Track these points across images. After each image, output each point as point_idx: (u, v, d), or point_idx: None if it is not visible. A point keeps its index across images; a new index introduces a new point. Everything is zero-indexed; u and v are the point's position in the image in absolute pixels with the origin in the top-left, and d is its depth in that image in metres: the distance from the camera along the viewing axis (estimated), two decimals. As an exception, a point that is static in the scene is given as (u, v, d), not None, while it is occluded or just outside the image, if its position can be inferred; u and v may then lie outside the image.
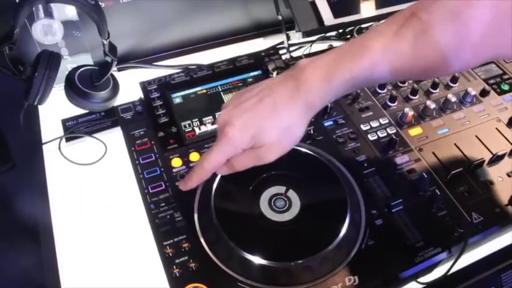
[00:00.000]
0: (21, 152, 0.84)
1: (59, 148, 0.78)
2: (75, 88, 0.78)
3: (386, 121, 0.78)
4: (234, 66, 0.84)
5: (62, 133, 0.79)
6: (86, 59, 0.88)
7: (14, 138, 0.86)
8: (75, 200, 0.71)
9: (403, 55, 0.51)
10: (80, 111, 0.81)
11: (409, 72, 0.54)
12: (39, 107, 0.85)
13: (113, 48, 0.77)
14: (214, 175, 0.66)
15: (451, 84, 0.84)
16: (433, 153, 0.73)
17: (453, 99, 0.80)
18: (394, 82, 0.84)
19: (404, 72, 0.54)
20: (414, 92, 0.81)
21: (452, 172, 0.69)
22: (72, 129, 0.80)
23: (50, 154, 0.78)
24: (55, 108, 0.83)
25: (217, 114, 0.77)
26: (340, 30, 0.98)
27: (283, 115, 0.54)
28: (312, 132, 0.75)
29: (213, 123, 0.76)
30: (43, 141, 0.79)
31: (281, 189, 0.66)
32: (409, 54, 0.51)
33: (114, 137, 0.78)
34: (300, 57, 0.89)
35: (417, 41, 0.50)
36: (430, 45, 0.50)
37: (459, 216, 0.66)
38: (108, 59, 0.77)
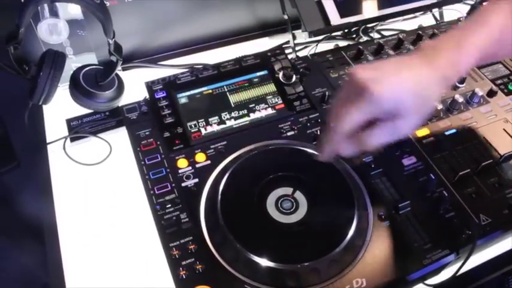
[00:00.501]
0: (25, 152, 0.84)
1: (64, 148, 0.77)
2: (80, 88, 0.78)
3: (393, 122, 0.77)
4: (240, 66, 0.83)
5: (66, 133, 0.79)
6: (91, 59, 0.88)
7: (19, 138, 0.86)
8: (80, 200, 0.70)
9: None
10: (85, 110, 0.81)
11: None
12: (44, 106, 0.85)
13: (118, 48, 0.77)
14: (221, 176, 0.66)
15: (458, 85, 0.84)
16: (440, 154, 0.73)
17: (460, 99, 0.79)
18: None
19: None
20: (421, 92, 0.80)
21: (460, 173, 0.68)
22: (77, 129, 0.79)
23: (55, 154, 0.77)
24: (60, 108, 0.82)
25: (223, 114, 0.77)
26: (346, 30, 0.98)
27: (424, 83, 0.52)
28: (319, 133, 0.74)
29: (219, 124, 0.76)
30: (47, 141, 0.79)
31: (288, 190, 0.66)
32: None
33: (119, 137, 0.78)
34: (306, 57, 0.88)
35: None
36: None
37: (467, 218, 0.65)
38: (113, 58, 0.76)
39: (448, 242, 0.63)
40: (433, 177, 0.68)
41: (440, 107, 0.77)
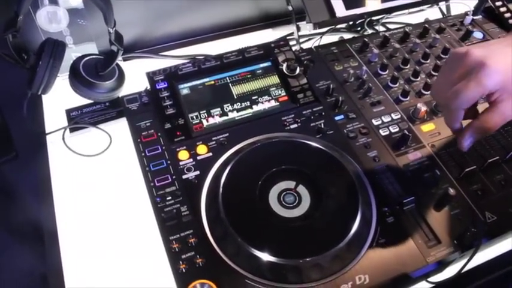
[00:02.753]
0: (24, 142, 0.83)
1: (63, 139, 0.76)
2: (80, 78, 0.77)
3: (399, 116, 0.76)
4: (243, 57, 0.82)
5: (66, 123, 0.78)
6: (91, 48, 0.86)
7: (17, 128, 0.85)
8: (79, 192, 0.69)
9: None
10: (85, 101, 0.80)
11: None
12: (43, 96, 0.83)
13: (119, 37, 0.76)
14: (223, 169, 0.65)
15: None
16: (446, 150, 0.72)
17: (467, 94, 0.77)
18: (407, 77, 0.82)
19: None
20: (427, 86, 0.79)
21: (466, 170, 0.67)
22: (77, 120, 0.78)
23: (54, 145, 0.76)
24: (59, 98, 0.81)
25: (225, 106, 0.76)
26: (351, 23, 0.96)
27: None
28: (322, 126, 0.73)
29: (221, 116, 0.75)
30: (47, 131, 0.78)
31: (291, 184, 0.65)
32: None
33: (119, 128, 0.77)
34: (310, 49, 0.87)
35: None
36: None
37: (472, 215, 0.64)
38: (114, 48, 0.75)
39: (452, 239, 0.61)
40: (439, 173, 0.67)
41: (446, 101, 0.76)
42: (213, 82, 0.79)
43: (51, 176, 0.72)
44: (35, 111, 0.82)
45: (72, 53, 0.85)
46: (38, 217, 0.69)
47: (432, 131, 0.74)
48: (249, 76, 0.80)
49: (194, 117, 0.74)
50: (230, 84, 0.79)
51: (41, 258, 0.66)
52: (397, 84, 0.80)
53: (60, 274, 0.61)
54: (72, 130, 0.77)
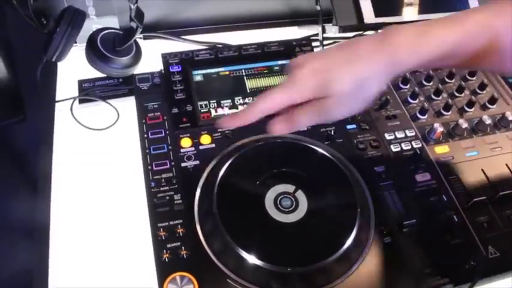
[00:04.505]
0: (33, 106, 0.82)
1: (71, 109, 0.76)
2: (96, 50, 0.76)
3: (413, 134, 0.73)
4: (262, 51, 0.80)
5: (77, 94, 0.77)
6: (113, 22, 0.85)
7: (30, 92, 0.84)
8: (77, 161, 0.69)
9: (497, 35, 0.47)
10: (99, 74, 0.79)
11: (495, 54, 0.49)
12: (58, 64, 0.83)
13: (139, 14, 0.74)
14: (223, 162, 0.63)
15: (489, 105, 0.79)
16: (457, 175, 0.69)
17: (488, 121, 0.74)
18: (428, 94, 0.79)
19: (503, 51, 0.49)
20: (447, 107, 0.76)
21: (475, 199, 0.64)
22: (87, 92, 0.78)
23: (62, 113, 0.76)
24: (74, 68, 0.81)
25: (236, 98, 0.74)
26: (379, 31, 0.93)
27: (361, 63, 0.48)
28: (332, 133, 0.71)
29: (230, 108, 0.73)
30: (57, 99, 0.78)
31: (290, 188, 0.63)
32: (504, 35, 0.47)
33: (128, 106, 0.76)
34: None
35: None
36: None
37: (474, 248, 0.61)
38: (133, 24, 0.74)
39: (449, 270, 0.59)
40: (445, 199, 0.64)
41: (465, 125, 0.73)
42: (227, 72, 0.77)
43: (54, 143, 0.72)
44: (49, 77, 0.82)
45: (93, 24, 0.84)
46: (34, 177, 0.68)
47: (445, 154, 0.71)
48: (265, 71, 0.78)
49: (203, 105, 0.73)
50: (245, 77, 0.77)
51: (32, 214, 0.66)
52: (417, 101, 0.77)
53: (47, 242, 0.61)
54: (81, 101, 0.77)
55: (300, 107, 0.51)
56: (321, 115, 0.50)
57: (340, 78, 0.48)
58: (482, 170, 0.69)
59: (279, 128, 0.52)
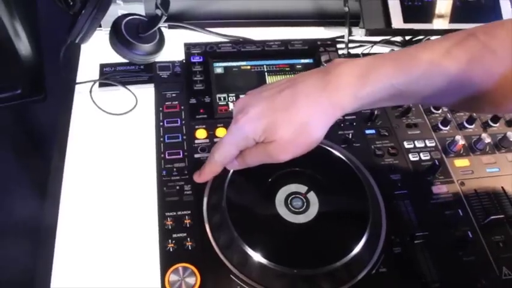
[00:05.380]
0: (54, 87, 0.83)
1: (90, 91, 0.76)
2: (120, 35, 0.76)
3: (433, 144, 0.71)
4: (285, 49, 0.79)
5: (97, 77, 0.77)
6: (139, 9, 0.85)
7: (52, 72, 0.85)
8: (91, 143, 0.69)
9: (450, 76, 0.45)
10: (120, 59, 0.79)
11: (450, 95, 0.48)
12: (82, 47, 0.83)
13: (165, 2, 0.74)
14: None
15: (515, 122, 0.76)
16: (475, 190, 0.67)
17: (512, 138, 0.72)
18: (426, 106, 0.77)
19: (444, 94, 0.47)
20: (471, 120, 0.74)
21: (492, 217, 0.62)
22: (108, 76, 0.77)
23: (81, 95, 0.76)
24: (97, 52, 0.81)
25: (255, 94, 0.73)
26: (407, 37, 0.91)
27: (300, 109, 0.48)
28: (350, 136, 0.69)
29: (249, 103, 0.72)
30: (77, 81, 0.78)
31: (302, 188, 0.61)
32: (458, 76, 0.45)
33: (148, 93, 0.76)
34: (357, 55, 0.83)
35: (470, 64, 0.44)
36: (485, 72, 0.44)
37: (487, 267, 0.59)
38: (158, 12, 0.74)
39: (458, 287, 0.57)
40: (461, 214, 0.63)
41: (488, 140, 0.70)
42: (249, 67, 0.76)
43: (71, 125, 0.72)
44: (71, 59, 0.82)
45: (119, 9, 0.84)
46: (50, 156, 0.69)
47: (465, 168, 0.69)
48: (287, 69, 0.77)
49: (222, 98, 0.72)
50: (266, 73, 0.76)
51: (42, 200, 0.66)
52: (440, 111, 0.75)
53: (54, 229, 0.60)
54: (101, 85, 0.77)
55: (248, 150, 0.53)
56: (267, 158, 0.52)
57: (281, 125, 0.49)
58: (502, 187, 0.67)
59: (234, 166, 0.57)
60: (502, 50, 0.44)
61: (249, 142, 0.52)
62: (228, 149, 0.54)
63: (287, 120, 0.49)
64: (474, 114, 0.75)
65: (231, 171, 0.60)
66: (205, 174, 0.59)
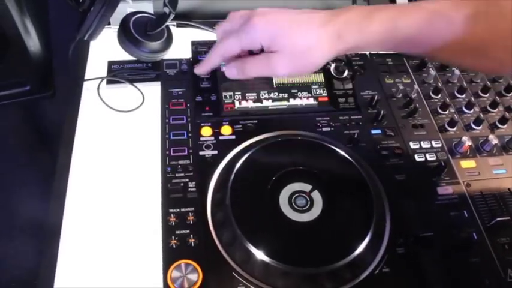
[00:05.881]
0: (62, 83, 0.84)
1: (98, 88, 0.76)
2: (128, 33, 0.76)
3: (439, 145, 0.71)
4: (292, 48, 0.79)
5: (105, 74, 0.78)
6: (148, 7, 0.85)
7: (60, 68, 0.86)
8: (98, 140, 0.69)
9: (454, 25, 0.47)
10: (128, 57, 0.79)
11: (452, 46, 0.50)
12: (91, 44, 0.84)
13: (173, 1, 0.74)
14: (241, 155, 0.62)
15: (524, 124, 0.76)
16: (481, 192, 0.66)
17: (521, 140, 0.71)
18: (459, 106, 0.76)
19: (446, 45, 0.49)
20: (478, 122, 0.73)
21: (498, 219, 0.62)
22: (116, 73, 0.78)
23: (88, 92, 0.76)
24: (106, 49, 0.81)
25: (262, 92, 0.73)
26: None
27: (310, 30, 0.52)
28: (355, 136, 0.69)
29: (255, 101, 0.72)
30: (85, 77, 0.78)
31: (306, 187, 0.61)
32: (461, 28, 0.47)
33: (155, 91, 0.76)
34: (364, 55, 0.82)
35: (475, 17, 0.46)
36: (489, 26, 0.46)
37: (492, 269, 0.59)
38: (167, 10, 0.74)
39: (463, 288, 0.57)
40: (466, 215, 0.62)
41: (495, 142, 0.70)
42: (255, 66, 0.76)
43: (78, 121, 0.72)
44: (80, 56, 0.83)
45: (128, 7, 0.85)
46: (56, 151, 0.69)
47: (471, 169, 0.69)
48: (293, 69, 0.77)
49: (228, 96, 0.72)
50: (272, 72, 0.76)
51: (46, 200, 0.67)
52: (447, 112, 0.75)
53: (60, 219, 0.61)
54: (108, 82, 0.77)
55: (251, 57, 0.56)
56: (267, 68, 0.55)
57: (289, 37, 0.52)
58: (509, 189, 0.67)
59: (229, 72, 0.60)
60: (509, 7, 0.45)
61: (254, 44, 0.54)
62: (233, 43, 0.56)
63: (297, 34, 0.52)
64: (482, 115, 0.74)
65: (235, 170, 0.60)
66: (204, 65, 0.64)
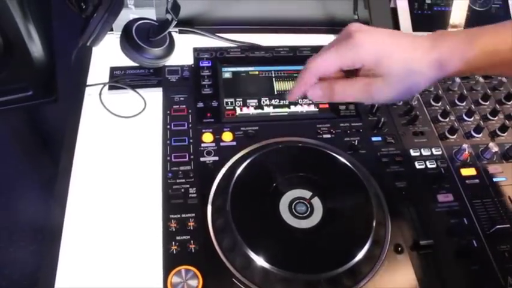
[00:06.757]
0: (65, 89, 0.84)
1: (100, 94, 0.76)
2: (130, 39, 0.77)
3: (440, 152, 0.71)
4: (294, 55, 0.79)
5: (107, 80, 0.78)
6: (150, 14, 0.86)
7: (63, 74, 0.86)
8: (99, 146, 0.70)
9: None
10: (131, 63, 0.80)
11: None
12: (94, 49, 0.84)
13: (175, 7, 0.75)
14: (242, 161, 0.63)
15: (524, 133, 0.76)
16: (481, 200, 0.66)
17: (520, 148, 0.72)
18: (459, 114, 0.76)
19: None
20: (479, 129, 0.74)
21: (498, 226, 0.62)
22: (118, 79, 0.78)
23: (90, 97, 0.77)
24: (108, 55, 0.82)
25: (263, 99, 0.74)
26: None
27: (416, 55, 0.49)
28: (356, 143, 0.69)
29: (256, 108, 0.73)
30: (88, 83, 0.79)
31: (306, 194, 0.62)
32: None
33: (156, 97, 0.76)
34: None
35: None
36: None
37: (492, 277, 0.59)
38: (169, 16, 0.74)
39: (463, 295, 0.57)
40: (466, 222, 0.62)
41: (495, 149, 0.70)
42: (257, 72, 0.77)
43: (80, 127, 0.73)
44: (83, 61, 0.83)
45: (130, 13, 0.85)
46: (58, 156, 0.70)
47: (472, 177, 0.69)
48: (295, 75, 0.77)
49: (229, 102, 0.72)
50: (274, 79, 0.76)
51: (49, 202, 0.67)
52: (447, 120, 0.75)
53: (61, 223, 0.61)
54: (110, 88, 0.78)
55: (343, 80, 0.51)
56: (365, 94, 0.51)
57: (396, 59, 0.48)
58: (509, 197, 0.67)
59: (314, 94, 0.53)
60: None
61: (355, 63, 0.50)
62: (332, 59, 0.50)
63: (402, 59, 0.49)
64: (482, 123, 0.74)
65: (236, 176, 0.60)
66: (297, 88, 0.53)
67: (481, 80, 0.81)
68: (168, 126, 0.68)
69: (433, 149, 0.71)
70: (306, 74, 0.51)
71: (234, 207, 0.58)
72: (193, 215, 0.59)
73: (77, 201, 0.63)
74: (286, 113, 0.73)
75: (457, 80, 0.80)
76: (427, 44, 0.49)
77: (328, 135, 0.70)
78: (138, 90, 0.78)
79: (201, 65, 0.76)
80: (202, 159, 0.65)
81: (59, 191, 0.65)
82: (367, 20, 0.82)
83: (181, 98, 0.72)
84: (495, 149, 0.70)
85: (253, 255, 0.54)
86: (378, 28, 0.51)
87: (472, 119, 0.76)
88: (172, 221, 0.58)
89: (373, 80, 0.50)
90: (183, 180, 0.62)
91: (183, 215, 0.59)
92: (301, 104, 0.74)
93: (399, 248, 0.59)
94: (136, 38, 0.77)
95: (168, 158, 0.64)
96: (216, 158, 0.65)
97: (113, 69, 0.80)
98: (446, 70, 0.50)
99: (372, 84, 0.50)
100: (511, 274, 0.59)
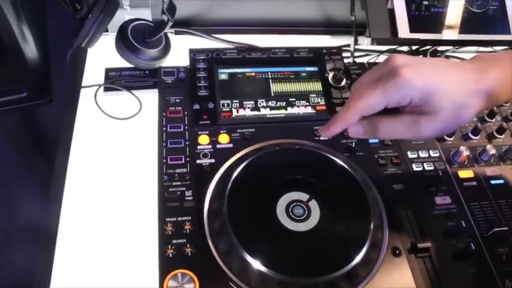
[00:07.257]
0: (60, 90, 0.83)
1: (95, 95, 0.76)
2: (126, 40, 0.76)
3: (437, 155, 0.71)
4: (291, 56, 0.79)
5: (102, 81, 0.78)
6: (146, 14, 0.85)
7: (57, 75, 0.86)
8: (94, 147, 0.69)
9: None
10: (126, 64, 0.79)
11: None
12: (89, 51, 0.84)
13: (171, 8, 0.74)
14: (239, 163, 0.62)
15: (520, 134, 0.76)
16: (479, 202, 0.66)
17: (518, 150, 0.71)
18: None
19: None
20: (476, 131, 0.73)
21: (495, 229, 0.61)
22: (113, 80, 0.78)
23: (86, 99, 0.76)
24: (104, 56, 0.81)
25: (260, 101, 0.73)
26: (414, 47, 0.91)
27: (466, 89, 0.47)
28: (353, 145, 0.69)
29: (252, 110, 0.72)
30: (83, 84, 0.78)
31: (303, 196, 0.61)
32: None
33: (152, 98, 0.76)
34: (362, 65, 0.83)
35: None
36: None
37: (490, 280, 0.58)
38: (165, 17, 0.74)
39: (460, 299, 0.56)
40: (464, 225, 0.62)
41: (493, 152, 0.70)
42: (253, 74, 0.76)
43: (75, 128, 0.72)
44: (78, 62, 0.83)
45: (126, 14, 0.85)
46: (52, 158, 0.69)
47: (469, 179, 0.68)
48: (291, 76, 0.77)
49: (225, 104, 0.72)
50: (270, 80, 0.76)
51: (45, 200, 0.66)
52: (445, 122, 0.75)
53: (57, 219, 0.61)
54: (106, 89, 0.77)
55: (387, 117, 0.49)
56: (411, 132, 0.49)
57: (446, 96, 0.46)
58: (506, 199, 0.67)
59: (355, 132, 0.51)
60: None
61: (403, 101, 0.47)
62: (379, 98, 0.47)
63: (452, 96, 0.46)
64: (479, 125, 0.74)
65: (232, 179, 0.60)
66: (337, 125, 0.50)
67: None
68: (164, 128, 0.68)
69: (431, 151, 0.71)
70: (348, 114, 0.49)
71: (230, 210, 0.57)
72: (190, 218, 0.58)
73: (73, 204, 0.63)
74: (283, 115, 0.72)
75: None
76: (476, 74, 0.48)
77: (325, 137, 0.70)
78: (133, 91, 0.77)
79: (197, 66, 0.75)
80: (198, 161, 0.64)
81: (54, 193, 0.64)
82: (364, 21, 0.81)
83: (177, 100, 0.71)
84: (492, 151, 0.70)
85: (250, 259, 0.54)
86: (421, 59, 0.49)
87: (468, 121, 0.76)
88: (169, 224, 0.57)
89: (420, 117, 0.48)
90: (179, 183, 0.62)
91: (179, 218, 0.58)
92: (298, 106, 0.74)
93: (397, 251, 0.59)
94: (131, 39, 0.76)
95: (164, 161, 0.64)
96: (213, 161, 0.64)
97: (108, 71, 0.79)
98: (496, 100, 0.48)
99: (419, 122, 0.48)
100: (508, 277, 0.59)
